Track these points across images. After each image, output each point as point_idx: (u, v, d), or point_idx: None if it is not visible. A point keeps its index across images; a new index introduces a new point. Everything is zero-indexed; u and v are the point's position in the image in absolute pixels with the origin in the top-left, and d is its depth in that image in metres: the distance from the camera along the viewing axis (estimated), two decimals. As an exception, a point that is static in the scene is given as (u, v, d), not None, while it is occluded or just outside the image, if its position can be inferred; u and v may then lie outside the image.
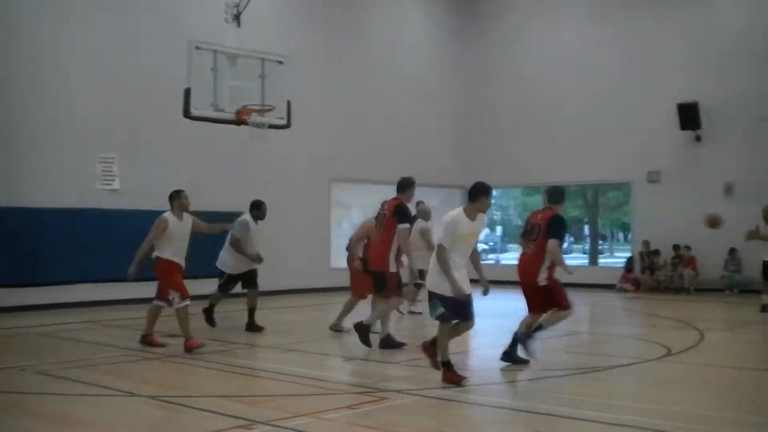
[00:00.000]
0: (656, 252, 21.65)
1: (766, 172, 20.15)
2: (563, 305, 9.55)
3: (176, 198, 10.93)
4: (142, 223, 16.36)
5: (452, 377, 8.46)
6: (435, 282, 8.50)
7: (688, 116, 21.20)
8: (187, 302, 10.73)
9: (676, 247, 21.46)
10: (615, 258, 23.78)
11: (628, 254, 22.79)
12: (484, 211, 8.72)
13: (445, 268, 8.33)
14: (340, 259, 22.52)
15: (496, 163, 24.87)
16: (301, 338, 12.40)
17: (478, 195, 8.64)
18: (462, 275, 8.47)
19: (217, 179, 18.41)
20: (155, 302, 11.08)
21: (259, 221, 13.02)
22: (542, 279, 9.48)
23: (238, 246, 12.73)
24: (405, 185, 11.30)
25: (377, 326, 11.15)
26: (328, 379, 9.06)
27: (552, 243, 9.40)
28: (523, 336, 9.60)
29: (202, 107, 13.62)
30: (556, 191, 10.11)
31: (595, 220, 24.57)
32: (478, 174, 24.99)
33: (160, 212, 11.03)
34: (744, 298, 19.48)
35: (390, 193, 11.72)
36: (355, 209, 23.76)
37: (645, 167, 22.06)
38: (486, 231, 27.82)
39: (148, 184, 17.34)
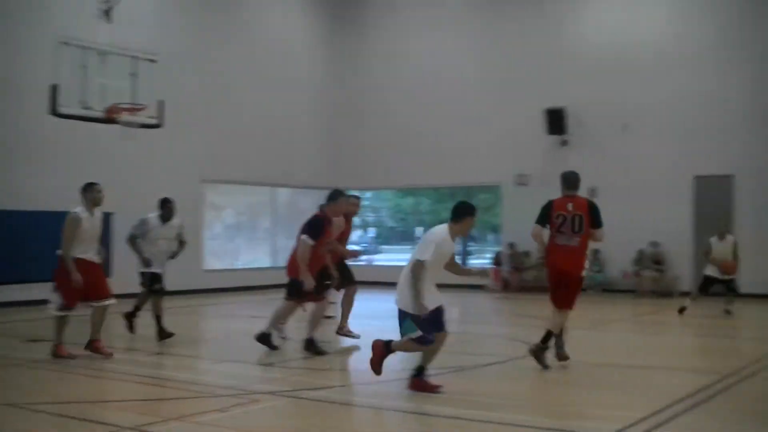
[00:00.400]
0: (526, 253, 22.25)
1: (626, 177, 21.03)
2: (573, 304, 9.80)
3: (89, 191, 10.31)
4: (4, 223, 16.04)
5: (425, 386, 8.22)
6: (410, 301, 8.00)
7: (555, 121, 21.91)
8: (65, 313, 10.10)
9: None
10: (484, 259, 24.32)
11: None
12: (467, 233, 8.43)
13: (417, 284, 7.89)
14: (212, 261, 22.36)
15: (370, 165, 25.09)
16: (173, 341, 12.18)
17: (464, 215, 8.23)
18: (434, 290, 8.16)
19: (86, 179, 17.85)
20: (94, 304, 10.28)
21: (167, 222, 12.14)
22: (585, 270, 9.73)
23: (132, 243, 12.02)
24: (329, 198, 10.93)
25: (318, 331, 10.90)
26: (200, 382, 8.97)
27: (601, 232, 9.71)
28: (559, 338, 9.74)
29: (71, 105, 13.27)
30: (576, 177, 9.97)
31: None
32: (352, 176, 25.40)
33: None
34: (606, 297, 20.27)
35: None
36: (227, 210, 23.57)
37: (514, 170, 22.63)
38: (359, 232, 27.99)
39: (11, 183, 16.76)
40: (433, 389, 8.14)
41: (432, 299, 8.03)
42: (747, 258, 17.08)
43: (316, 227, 10.56)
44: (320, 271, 10.72)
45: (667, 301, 18.72)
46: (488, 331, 14.32)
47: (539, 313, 16.55)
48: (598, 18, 22.26)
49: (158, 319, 12.02)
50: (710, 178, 20.45)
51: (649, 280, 20.68)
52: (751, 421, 7.20)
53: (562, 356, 9.68)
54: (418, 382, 8.24)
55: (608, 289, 21.00)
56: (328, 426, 7.17)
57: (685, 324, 15.23)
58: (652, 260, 20.88)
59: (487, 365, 10.05)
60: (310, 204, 24.96)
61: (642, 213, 20.52)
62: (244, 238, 24.19)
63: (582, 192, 9.91)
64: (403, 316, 8.06)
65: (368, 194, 27.16)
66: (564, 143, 22.15)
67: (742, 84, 20.08)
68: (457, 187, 24.52)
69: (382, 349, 8.39)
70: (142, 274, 12.15)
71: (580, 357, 10.75)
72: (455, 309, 16.53)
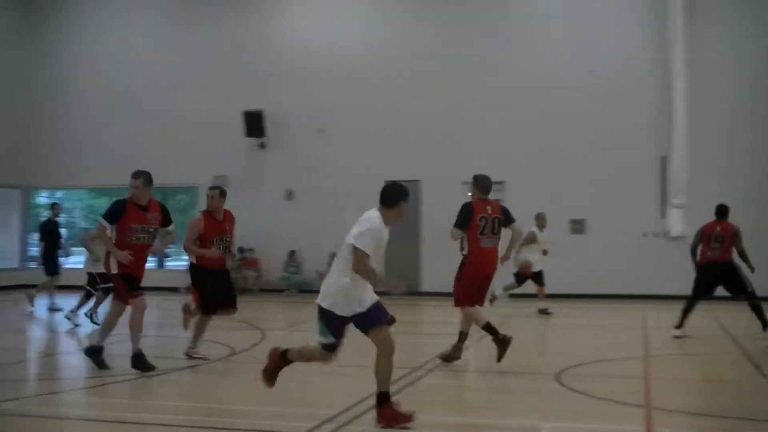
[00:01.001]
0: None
1: (322, 180, 21.69)
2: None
3: None
4: None
5: None
6: (334, 300, 6.95)
7: (253, 124, 22.12)
8: None
9: (241, 250, 22.23)
10: (183, 261, 24.02)
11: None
12: (401, 220, 7.23)
13: (373, 277, 6.85)
14: None
15: (62, 163, 24.01)
16: None
17: (397, 200, 7.21)
18: (367, 288, 7.04)
19: None
20: None
21: None
22: None
23: None
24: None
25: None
26: None
27: (519, 225, 10.28)
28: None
29: None
30: (491, 182, 10.13)
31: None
32: (43, 174, 24.09)
33: None
34: (302, 297, 20.73)
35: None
36: None
37: (211, 172, 22.55)
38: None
39: None
40: (407, 420, 6.97)
41: (362, 301, 7.01)
42: (430, 259, 18.23)
43: (110, 210, 9.68)
44: (134, 269, 9.61)
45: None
46: (187, 333, 14.15)
47: (245, 314, 16.67)
48: (298, 23, 22.75)
49: None
50: (400, 183, 21.51)
51: (344, 280, 21.37)
52: (433, 413, 7.72)
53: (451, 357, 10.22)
54: (389, 412, 7.04)
55: (305, 290, 21.48)
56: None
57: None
58: (346, 261, 21.64)
59: (189, 368, 9.99)
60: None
61: (336, 215, 21.19)
62: None
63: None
64: (320, 316, 7.06)
65: (59, 194, 25.93)
66: (262, 146, 22.44)
67: (430, 94, 21.37)
68: (154, 187, 24.02)
69: (278, 358, 7.45)
70: None
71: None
72: (156, 311, 16.22)
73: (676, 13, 19.90)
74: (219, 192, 10.76)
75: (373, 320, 6.96)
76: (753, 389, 9.14)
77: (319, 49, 22.25)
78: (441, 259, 19.96)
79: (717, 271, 12.77)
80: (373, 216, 7.03)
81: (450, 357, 10.23)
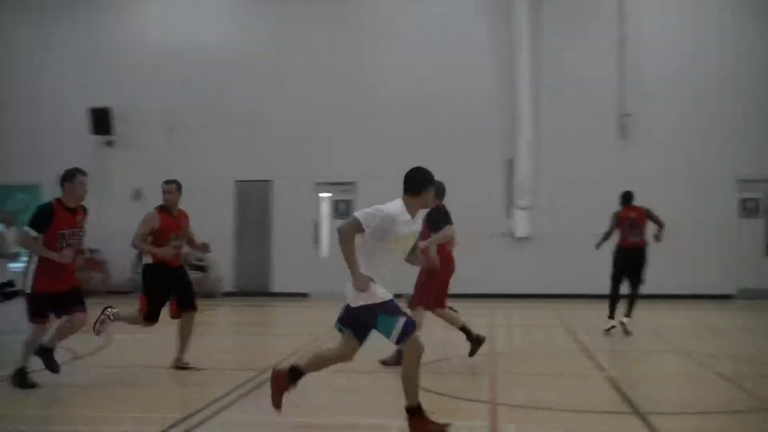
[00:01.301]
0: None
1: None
2: None
3: None
4: None
5: (428, 427, 6.66)
6: (371, 291, 6.44)
7: (100, 121, 21.49)
8: None
9: (90, 251, 21.57)
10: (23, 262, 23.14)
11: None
12: (427, 206, 6.91)
13: (349, 246, 6.32)
14: None
15: None
16: None
17: (424, 185, 6.67)
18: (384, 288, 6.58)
19: None
20: None
21: None
22: None
23: None
24: (62, 179, 8.96)
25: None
26: None
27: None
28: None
29: None
30: (443, 187, 10.33)
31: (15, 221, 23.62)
32: None
33: None
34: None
35: None
36: None
37: (54, 170, 21.63)
38: None
39: None
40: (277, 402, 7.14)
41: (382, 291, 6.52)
42: (280, 260, 18.19)
43: (36, 217, 8.74)
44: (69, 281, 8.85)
45: (211, 301, 19.21)
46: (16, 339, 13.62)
47: (91, 317, 16.12)
48: (150, 20, 22.25)
49: None
50: (250, 182, 21.45)
51: (194, 282, 21.03)
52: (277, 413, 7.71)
53: None
54: (279, 385, 7.13)
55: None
56: None
57: (224, 323, 15.79)
58: (195, 261, 21.31)
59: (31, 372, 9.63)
60: None
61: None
62: None
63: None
64: (368, 315, 6.50)
65: None
66: (109, 144, 21.83)
67: (282, 95, 21.32)
68: (-7, 185, 23.11)
69: (422, 422, 6.67)
70: None
71: (127, 360, 10.74)
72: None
73: (521, 17, 20.51)
74: (176, 186, 10.23)
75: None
76: (592, 383, 9.51)
77: (170, 47, 21.80)
78: (291, 259, 20.27)
79: (633, 257, 13.39)
80: (392, 204, 6.59)
81: (474, 351, 10.54)
